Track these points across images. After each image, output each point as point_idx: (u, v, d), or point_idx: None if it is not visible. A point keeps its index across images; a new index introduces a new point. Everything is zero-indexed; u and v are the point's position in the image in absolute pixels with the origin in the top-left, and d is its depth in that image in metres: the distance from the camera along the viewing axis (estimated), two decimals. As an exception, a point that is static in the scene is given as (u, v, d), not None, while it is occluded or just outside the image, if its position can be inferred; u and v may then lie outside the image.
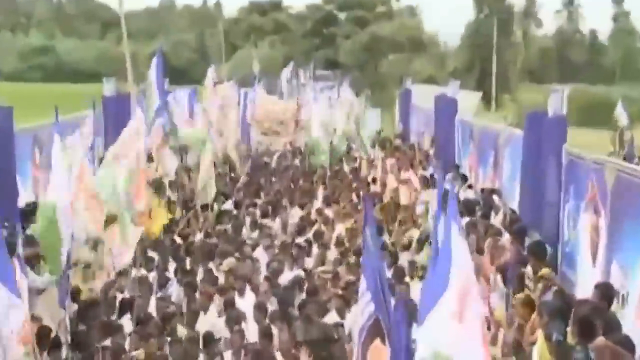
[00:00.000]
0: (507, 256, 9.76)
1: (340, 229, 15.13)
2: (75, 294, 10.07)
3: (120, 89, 20.03)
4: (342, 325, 9.98)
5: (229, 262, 12.92)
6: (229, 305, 10.66)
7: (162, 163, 14.94)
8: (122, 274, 11.44)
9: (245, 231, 15.55)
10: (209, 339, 9.33)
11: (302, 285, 11.63)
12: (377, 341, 5.54)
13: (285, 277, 12.26)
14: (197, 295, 11.14)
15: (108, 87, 18.65)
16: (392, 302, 5.68)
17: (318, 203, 17.69)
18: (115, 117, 18.01)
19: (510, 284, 9.12)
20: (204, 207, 16.36)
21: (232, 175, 20.84)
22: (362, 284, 5.65)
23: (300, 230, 15.15)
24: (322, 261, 13.27)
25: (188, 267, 12.71)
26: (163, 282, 11.90)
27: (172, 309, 10.43)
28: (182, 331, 9.83)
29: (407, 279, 11.59)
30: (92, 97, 17.01)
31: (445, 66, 62.76)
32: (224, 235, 14.93)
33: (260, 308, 10.49)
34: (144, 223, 12.52)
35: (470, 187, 15.82)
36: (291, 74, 35.51)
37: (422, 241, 13.32)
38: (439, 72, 59.75)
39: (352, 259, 12.70)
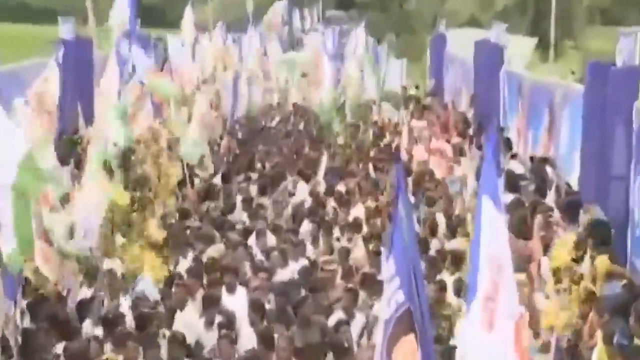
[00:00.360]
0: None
1: (357, 210, 15.26)
2: (24, 285, 10.29)
3: (79, 31, 20.16)
4: (347, 323, 10.15)
5: (216, 249, 13.12)
6: (213, 303, 10.82)
7: (139, 122, 15.15)
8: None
9: (236, 212, 15.72)
10: (194, 349, 9.52)
11: (309, 279, 11.86)
12: (408, 337, 5.64)
13: (289, 270, 12.49)
14: (174, 289, 11.29)
15: (65, 29, 18.77)
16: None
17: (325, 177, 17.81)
18: (75, 65, 18.16)
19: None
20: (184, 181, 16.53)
21: (219, 141, 21.02)
22: (390, 267, 5.75)
23: (312, 211, 15.35)
24: (329, 250, 13.49)
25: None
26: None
27: (152, 309, 10.58)
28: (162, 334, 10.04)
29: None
30: (44, 40, 17.16)
31: (491, 4, 62.43)
32: (208, 216, 15.11)
33: (256, 307, 10.68)
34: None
35: (514, 157, 15.90)
36: (290, 13, 35.43)
37: (454, 226, 13.48)
38: (482, 12, 59.46)
39: (371, 245, 12.89)
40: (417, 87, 29.10)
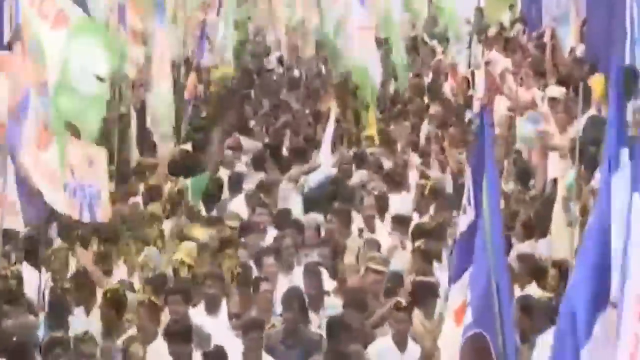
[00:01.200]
0: None
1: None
2: None
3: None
4: None
5: (186, 247, 13.34)
6: (181, 330, 10.89)
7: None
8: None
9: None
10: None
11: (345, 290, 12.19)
12: None
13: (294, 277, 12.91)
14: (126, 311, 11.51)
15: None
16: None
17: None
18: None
19: None
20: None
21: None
22: (463, 279, 6.06)
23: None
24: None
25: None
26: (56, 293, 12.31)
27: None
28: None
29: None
30: None
31: None
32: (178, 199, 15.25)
33: (254, 328, 10.85)
34: None
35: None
36: None
37: (544, 220, 13.77)
38: None
39: (419, 242, 13.10)
40: (511, 7, 28.98)
